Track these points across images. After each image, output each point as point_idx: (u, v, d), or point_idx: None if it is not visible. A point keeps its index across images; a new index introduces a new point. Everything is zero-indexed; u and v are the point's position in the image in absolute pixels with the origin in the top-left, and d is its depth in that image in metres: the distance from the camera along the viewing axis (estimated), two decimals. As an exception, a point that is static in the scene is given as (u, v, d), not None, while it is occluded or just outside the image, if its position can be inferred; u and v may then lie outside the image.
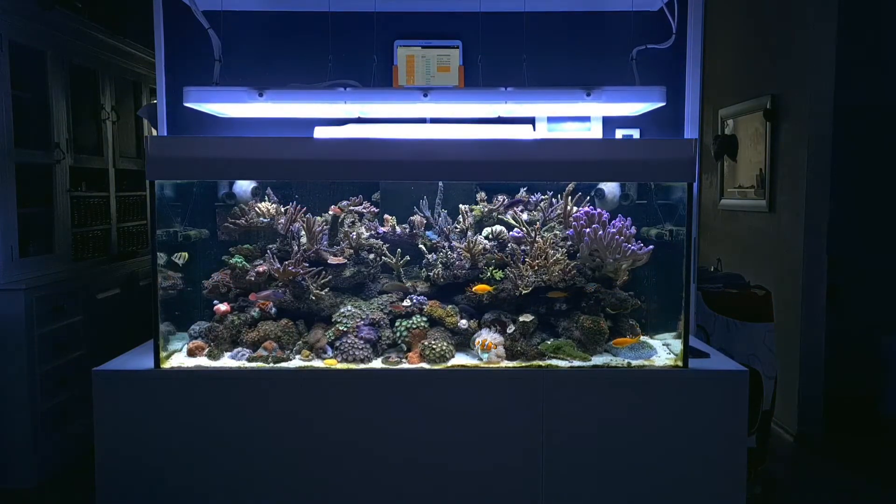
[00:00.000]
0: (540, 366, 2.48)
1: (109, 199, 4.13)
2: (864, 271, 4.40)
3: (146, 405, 2.41)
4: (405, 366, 2.48)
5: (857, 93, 4.26)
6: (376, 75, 2.95)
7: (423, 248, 2.78)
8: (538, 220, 2.79)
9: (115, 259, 4.13)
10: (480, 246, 2.68)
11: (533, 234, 2.68)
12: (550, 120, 3.01)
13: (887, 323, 4.32)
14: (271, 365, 2.48)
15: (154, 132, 3.87)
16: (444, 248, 2.73)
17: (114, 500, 2.42)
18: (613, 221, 2.65)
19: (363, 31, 2.98)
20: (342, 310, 2.62)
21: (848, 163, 4.22)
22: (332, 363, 2.49)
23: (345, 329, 2.56)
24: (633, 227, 2.65)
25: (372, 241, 2.79)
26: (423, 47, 2.96)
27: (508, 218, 2.80)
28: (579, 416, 2.42)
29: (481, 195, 2.90)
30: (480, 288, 2.60)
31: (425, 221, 2.84)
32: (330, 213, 2.83)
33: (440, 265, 2.69)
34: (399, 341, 2.58)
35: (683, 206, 2.52)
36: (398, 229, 2.81)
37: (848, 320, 4.33)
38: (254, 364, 2.49)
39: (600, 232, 2.60)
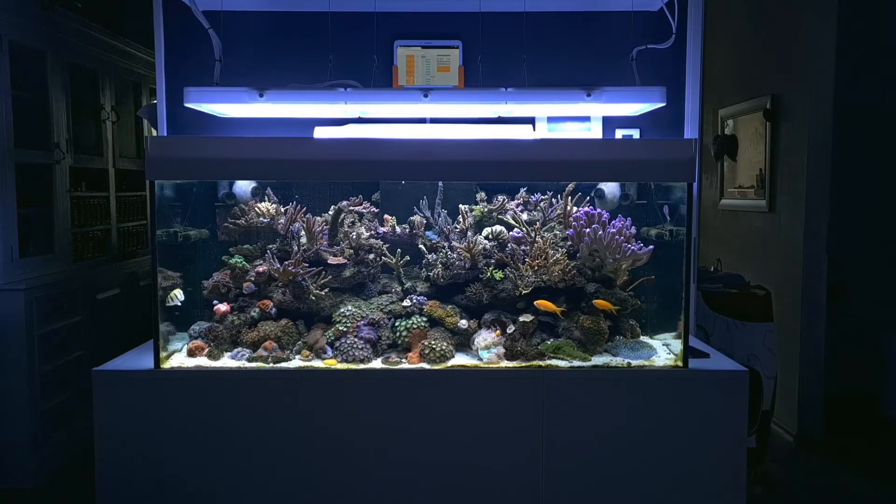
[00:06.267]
0: (540, 366, 2.48)
1: (109, 199, 4.13)
2: (864, 271, 4.40)
3: (146, 405, 2.41)
4: (405, 366, 2.48)
5: (857, 93, 4.26)
6: (376, 75, 2.95)
7: (423, 248, 2.78)
8: (538, 220, 2.79)
9: (115, 259, 4.13)
10: (480, 246, 2.68)
11: (533, 234, 2.69)
12: (550, 120, 3.01)
13: (887, 323, 4.32)
14: (271, 365, 2.48)
15: (154, 132, 3.87)
16: (444, 248, 2.73)
17: (114, 500, 2.42)
18: (613, 221, 2.65)
19: (363, 31, 2.98)
20: (342, 310, 2.62)
21: (848, 163, 4.22)
22: (331, 363, 2.49)
23: (344, 329, 2.57)
24: (633, 227, 2.65)
25: (372, 241, 2.79)
26: (423, 47, 2.96)
27: (508, 218, 2.80)
28: (579, 416, 2.42)
29: (481, 195, 2.90)
30: (601, 303, 2.58)
31: (425, 221, 2.84)
32: (330, 212, 2.83)
33: (440, 265, 2.69)
34: (399, 341, 2.58)
35: (683, 206, 2.52)
36: (398, 229, 2.81)
37: (848, 320, 4.32)
38: (254, 364, 2.49)
39: (600, 232, 2.60)
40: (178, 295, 2.55)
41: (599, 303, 2.58)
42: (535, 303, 2.57)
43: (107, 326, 3.86)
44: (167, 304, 2.54)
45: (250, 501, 2.42)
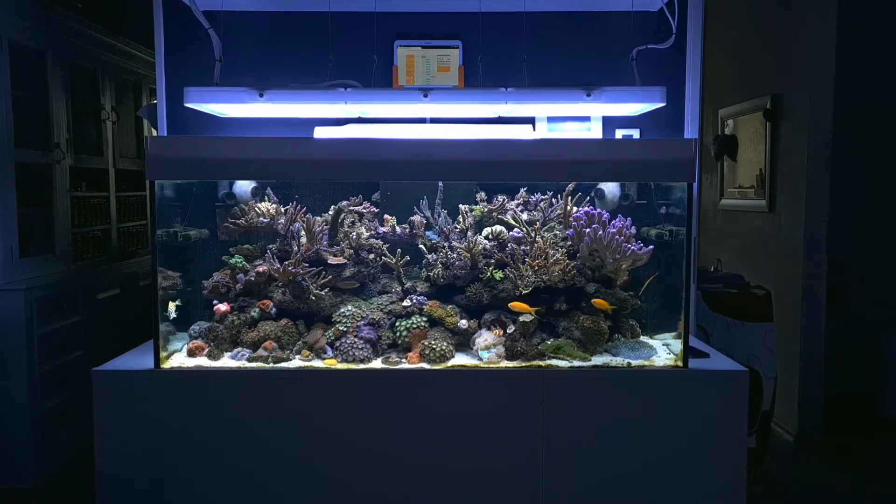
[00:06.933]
0: (540, 366, 2.47)
1: (109, 199, 4.13)
2: (864, 271, 4.40)
3: (146, 405, 2.41)
4: (405, 366, 2.48)
5: (857, 93, 4.26)
6: (376, 75, 2.95)
7: (423, 248, 2.78)
8: (538, 220, 2.79)
9: (115, 259, 4.13)
10: (480, 246, 2.68)
11: (533, 234, 2.69)
12: (550, 120, 3.01)
13: (887, 323, 4.32)
14: (271, 365, 2.48)
15: (154, 132, 3.86)
16: (444, 248, 2.73)
17: (114, 500, 2.42)
18: (613, 221, 2.65)
19: (363, 31, 2.98)
20: (342, 310, 2.62)
21: (848, 163, 4.22)
22: (331, 363, 2.49)
23: (344, 329, 2.56)
24: (633, 227, 2.65)
25: (372, 241, 2.79)
26: (423, 47, 2.96)
27: (508, 218, 2.80)
28: (579, 416, 2.42)
29: (481, 195, 2.90)
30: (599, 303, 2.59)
31: (425, 221, 2.84)
32: (330, 212, 2.83)
33: (440, 265, 2.69)
34: (399, 341, 2.57)
35: (683, 206, 2.52)
36: (398, 229, 2.81)
37: (848, 320, 4.32)
38: (254, 364, 2.49)
39: (600, 232, 2.59)
40: (172, 309, 2.55)
41: (597, 302, 2.58)
42: (509, 305, 2.56)
43: (107, 326, 3.86)
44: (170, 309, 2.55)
45: (250, 501, 2.42)
